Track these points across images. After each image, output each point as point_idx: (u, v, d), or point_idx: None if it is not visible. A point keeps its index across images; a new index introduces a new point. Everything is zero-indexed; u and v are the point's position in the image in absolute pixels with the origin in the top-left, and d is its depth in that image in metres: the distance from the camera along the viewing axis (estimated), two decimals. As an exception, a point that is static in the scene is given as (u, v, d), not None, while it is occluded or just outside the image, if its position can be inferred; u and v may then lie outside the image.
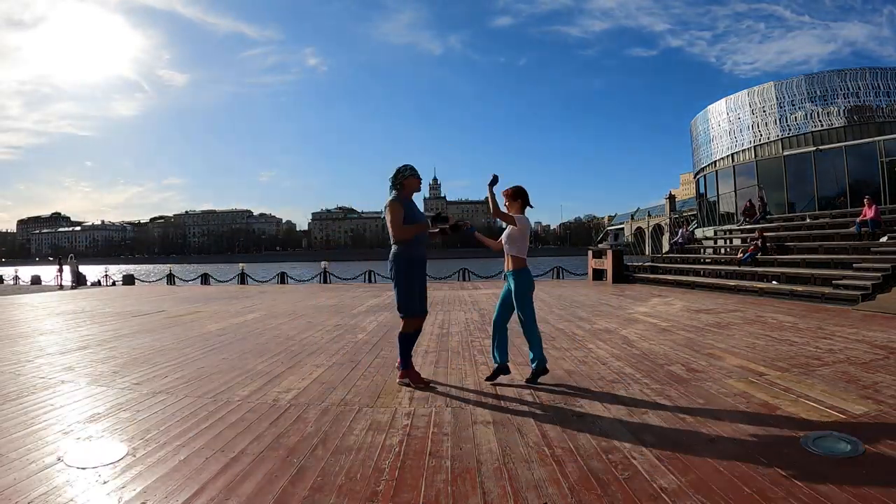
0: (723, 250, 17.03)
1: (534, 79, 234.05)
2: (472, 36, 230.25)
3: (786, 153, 21.29)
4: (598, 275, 16.04)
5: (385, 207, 3.88)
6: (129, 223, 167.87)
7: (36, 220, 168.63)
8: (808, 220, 15.63)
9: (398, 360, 4.11)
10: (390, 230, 3.86)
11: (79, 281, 21.28)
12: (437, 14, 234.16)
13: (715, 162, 26.53)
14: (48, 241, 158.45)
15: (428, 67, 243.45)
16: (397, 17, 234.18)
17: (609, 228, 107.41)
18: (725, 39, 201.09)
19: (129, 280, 23.23)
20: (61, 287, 20.50)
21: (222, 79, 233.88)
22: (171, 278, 22.93)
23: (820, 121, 22.60)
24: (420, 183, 3.95)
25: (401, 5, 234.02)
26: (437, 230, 4.00)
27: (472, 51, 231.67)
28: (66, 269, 21.35)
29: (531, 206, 4.11)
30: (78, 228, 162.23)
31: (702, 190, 26.26)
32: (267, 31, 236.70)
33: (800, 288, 9.92)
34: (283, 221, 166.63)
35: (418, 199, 4.84)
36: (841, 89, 22.38)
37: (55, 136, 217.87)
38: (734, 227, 19.13)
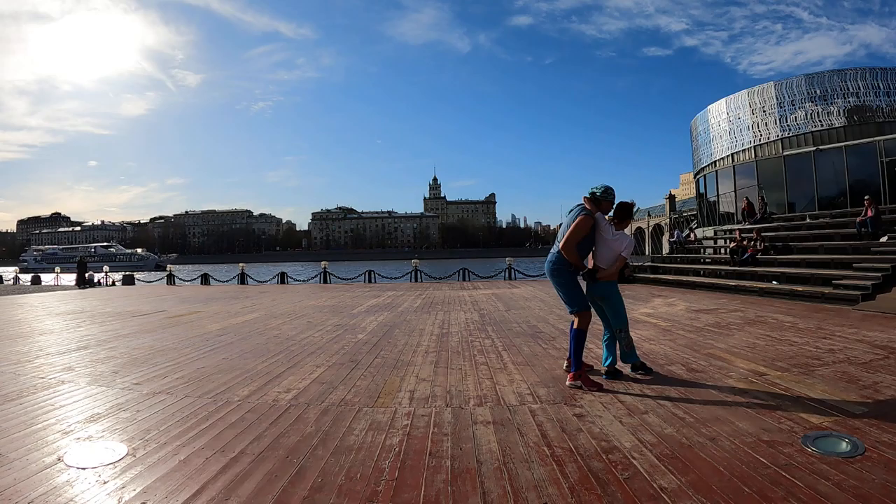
0: (723, 250, 17.02)
1: (543, 79, 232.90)
2: (499, 34, 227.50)
3: (786, 153, 21.26)
4: (599, 275, 15.99)
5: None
6: (129, 223, 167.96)
7: (36, 221, 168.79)
8: (808, 220, 15.62)
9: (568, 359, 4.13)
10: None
11: (80, 282, 21.29)
12: (458, 14, 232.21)
13: (715, 162, 26.48)
14: (48, 242, 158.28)
15: (438, 68, 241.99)
16: (416, 18, 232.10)
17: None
18: (741, 40, 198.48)
19: (128, 280, 23.25)
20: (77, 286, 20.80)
21: (233, 77, 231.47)
22: (171, 278, 22.94)
23: (820, 121, 22.56)
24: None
25: (420, 5, 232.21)
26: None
27: (501, 49, 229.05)
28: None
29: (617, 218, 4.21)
30: (78, 229, 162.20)
31: (702, 190, 26.26)
32: (303, 30, 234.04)
33: (800, 288, 9.92)
34: (284, 221, 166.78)
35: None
36: (841, 89, 22.33)
37: (71, 133, 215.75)
38: (735, 226, 19.12)
